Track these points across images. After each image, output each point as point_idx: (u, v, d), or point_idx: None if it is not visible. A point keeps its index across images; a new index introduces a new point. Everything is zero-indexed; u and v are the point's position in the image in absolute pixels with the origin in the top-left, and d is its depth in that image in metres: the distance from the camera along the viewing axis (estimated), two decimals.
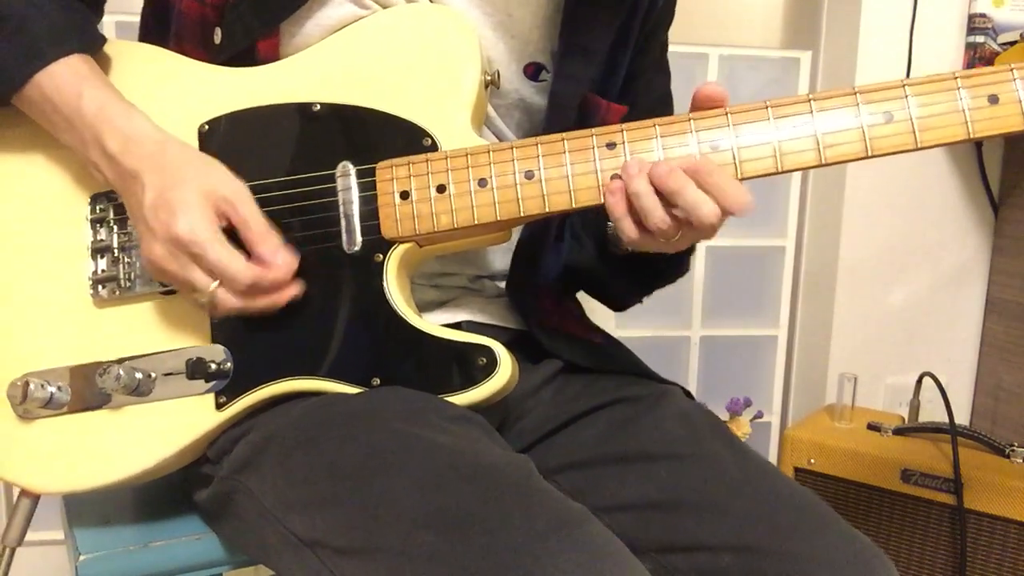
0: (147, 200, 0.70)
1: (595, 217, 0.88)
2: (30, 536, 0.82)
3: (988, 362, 1.91)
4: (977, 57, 1.74)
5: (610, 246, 0.87)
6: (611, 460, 0.80)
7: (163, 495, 0.88)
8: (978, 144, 1.80)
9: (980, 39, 1.73)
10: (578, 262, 0.90)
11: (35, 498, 0.80)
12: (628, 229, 0.71)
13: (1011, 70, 0.70)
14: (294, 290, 0.73)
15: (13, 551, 0.82)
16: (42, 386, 0.76)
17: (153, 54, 0.83)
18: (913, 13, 1.74)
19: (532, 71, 0.87)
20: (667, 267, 0.89)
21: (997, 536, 1.42)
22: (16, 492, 0.81)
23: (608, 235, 0.87)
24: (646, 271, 0.88)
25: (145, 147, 0.72)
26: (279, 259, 0.71)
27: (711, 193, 0.69)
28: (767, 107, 0.72)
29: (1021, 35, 1.68)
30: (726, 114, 0.72)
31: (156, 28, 0.87)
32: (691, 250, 0.88)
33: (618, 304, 0.98)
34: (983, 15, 1.73)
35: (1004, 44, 1.73)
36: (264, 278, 0.71)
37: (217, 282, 0.70)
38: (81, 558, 0.78)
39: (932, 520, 1.48)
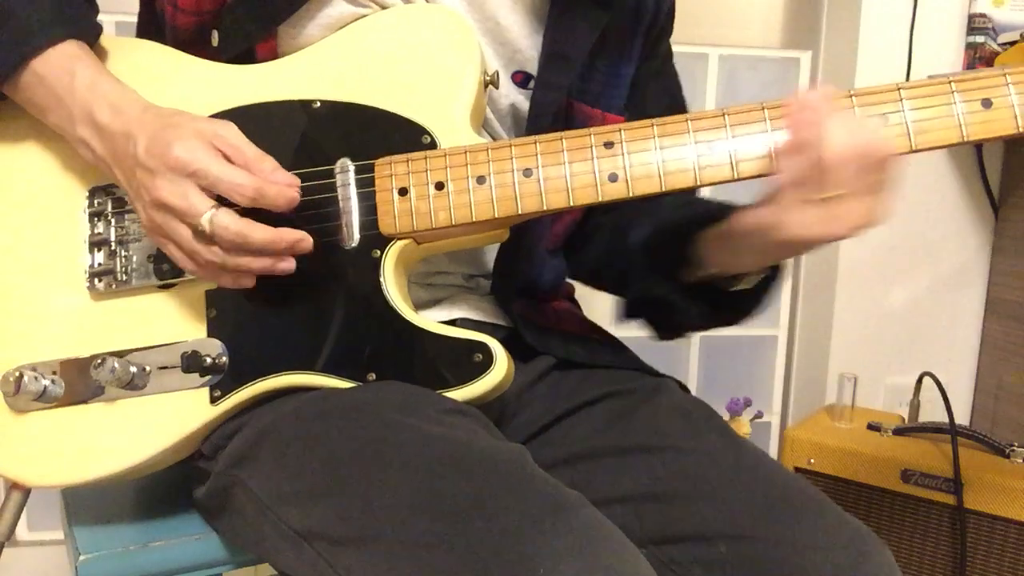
0: (141, 148, 0.71)
1: (666, 245, 0.85)
2: (30, 536, 0.82)
3: (988, 362, 1.91)
4: (977, 57, 1.74)
5: (685, 273, 0.84)
6: (607, 453, 0.80)
7: (163, 495, 0.88)
8: (978, 144, 1.80)
9: (980, 39, 1.74)
10: (650, 292, 0.87)
11: (26, 491, 0.80)
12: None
13: (1004, 74, 0.70)
14: (296, 235, 0.72)
15: (2, 546, 0.81)
16: (36, 379, 0.76)
17: (154, 50, 0.83)
18: (913, 13, 1.74)
19: (521, 79, 0.87)
20: (744, 299, 0.85)
21: (997, 536, 1.42)
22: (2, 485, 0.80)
23: (689, 259, 0.83)
24: (726, 299, 0.85)
25: (133, 111, 0.73)
26: (278, 176, 0.72)
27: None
28: (763, 109, 0.72)
29: (1021, 35, 1.69)
30: (723, 115, 0.73)
31: (152, 28, 0.88)
32: (773, 284, 0.85)
33: (674, 331, 0.94)
34: (983, 15, 1.73)
35: (1004, 44, 1.73)
36: (267, 188, 0.70)
37: (215, 209, 0.69)
38: (81, 558, 0.78)
39: (932, 520, 1.48)
